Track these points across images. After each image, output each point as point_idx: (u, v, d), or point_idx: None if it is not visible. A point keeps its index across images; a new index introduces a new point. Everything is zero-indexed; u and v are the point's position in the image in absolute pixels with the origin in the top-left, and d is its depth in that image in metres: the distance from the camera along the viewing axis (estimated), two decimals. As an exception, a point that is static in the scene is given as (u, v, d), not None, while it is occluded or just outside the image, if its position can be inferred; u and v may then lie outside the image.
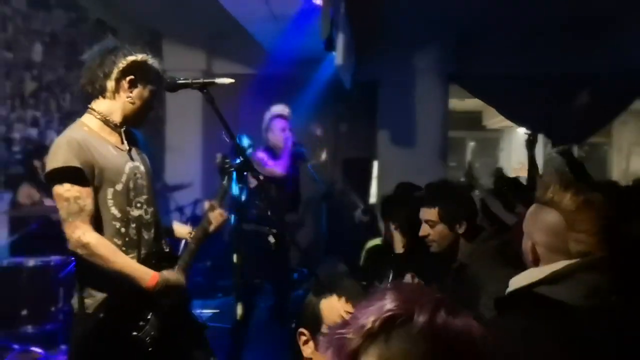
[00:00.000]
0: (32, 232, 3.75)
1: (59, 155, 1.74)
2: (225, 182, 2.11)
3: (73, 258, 1.88)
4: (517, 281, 1.41)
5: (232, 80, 1.90)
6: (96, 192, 1.78)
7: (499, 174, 6.65)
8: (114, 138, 1.87)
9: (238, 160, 1.99)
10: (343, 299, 1.17)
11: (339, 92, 6.52)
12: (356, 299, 1.09)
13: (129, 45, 1.95)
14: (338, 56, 4.09)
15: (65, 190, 1.73)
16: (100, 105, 1.86)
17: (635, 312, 1.33)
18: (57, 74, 5.05)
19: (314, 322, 1.19)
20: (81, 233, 1.72)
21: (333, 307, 1.16)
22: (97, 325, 1.76)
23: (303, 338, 1.20)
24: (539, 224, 1.41)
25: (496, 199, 3.63)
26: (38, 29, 4.77)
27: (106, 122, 1.85)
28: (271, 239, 3.33)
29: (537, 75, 6.45)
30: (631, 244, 1.80)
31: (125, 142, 1.91)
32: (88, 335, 1.77)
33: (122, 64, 1.83)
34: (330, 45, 3.74)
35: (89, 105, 1.89)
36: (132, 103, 1.87)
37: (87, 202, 1.75)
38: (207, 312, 4.77)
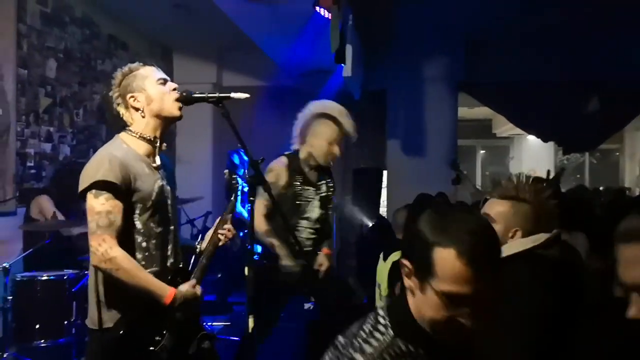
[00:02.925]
0: (45, 247, 3.79)
1: (100, 169, 1.78)
2: (232, 197, 2.14)
3: (88, 272, 1.89)
4: (513, 247, 1.74)
5: (248, 95, 1.92)
6: (126, 207, 1.82)
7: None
8: (148, 154, 1.93)
9: (251, 174, 2.00)
10: (465, 259, 1.04)
11: (348, 102, 6.52)
12: (478, 264, 1.04)
13: (129, 63, 2.03)
14: (347, 68, 4.12)
15: (99, 203, 1.76)
16: (132, 127, 1.95)
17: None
18: (71, 90, 5.13)
19: (423, 265, 1.08)
20: (108, 247, 1.74)
21: (449, 264, 1.05)
22: (114, 341, 1.77)
23: (406, 270, 1.12)
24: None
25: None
26: (52, 45, 4.86)
27: (141, 137, 1.92)
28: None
29: (548, 82, 6.43)
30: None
31: (158, 158, 1.97)
32: (105, 351, 1.79)
33: (115, 93, 1.93)
34: (340, 57, 3.77)
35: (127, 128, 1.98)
36: (148, 112, 1.92)
37: (118, 218, 1.78)
38: (218, 324, 4.77)
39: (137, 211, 1.85)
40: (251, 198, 2.03)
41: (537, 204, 1.81)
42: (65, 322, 3.59)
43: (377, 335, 1.13)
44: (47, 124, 4.83)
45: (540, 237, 1.77)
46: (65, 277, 3.64)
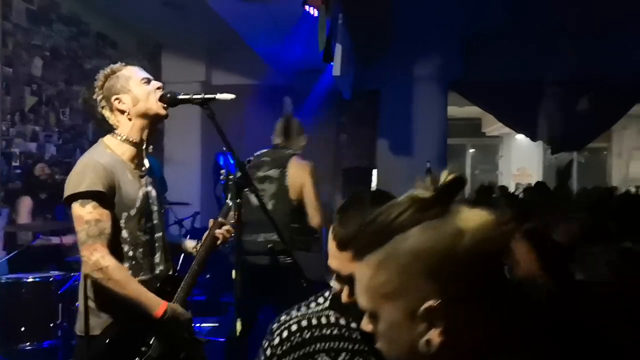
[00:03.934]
0: (30, 248, 3.73)
1: (84, 178, 1.74)
2: (229, 199, 2.08)
3: (75, 276, 1.86)
4: None
5: (233, 96, 1.88)
6: (112, 215, 1.79)
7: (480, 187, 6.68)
8: (133, 159, 1.89)
9: (238, 175, 1.97)
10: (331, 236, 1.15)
11: (339, 102, 6.53)
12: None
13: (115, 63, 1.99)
14: (336, 67, 4.09)
15: (87, 212, 1.73)
16: (117, 130, 1.90)
17: None
18: (57, 88, 5.06)
19: None
20: (100, 256, 1.71)
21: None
22: (101, 348, 1.74)
23: None
24: None
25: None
26: (38, 43, 4.79)
27: (127, 141, 1.88)
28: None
29: (537, 82, 6.46)
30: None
31: (146, 161, 1.93)
32: (92, 358, 1.75)
33: (98, 97, 1.90)
34: (328, 56, 3.74)
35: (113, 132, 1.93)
36: (132, 113, 1.88)
37: (107, 226, 1.75)
38: (207, 325, 4.74)
39: (122, 219, 1.81)
40: (237, 200, 2.00)
41: None
42: (51, 325, 3.53)
43: (314, 304, 1.26)
44: (33, 123, 4.76)
45: None
46: (51, 279, 3.58)
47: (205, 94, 1.93)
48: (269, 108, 6.60)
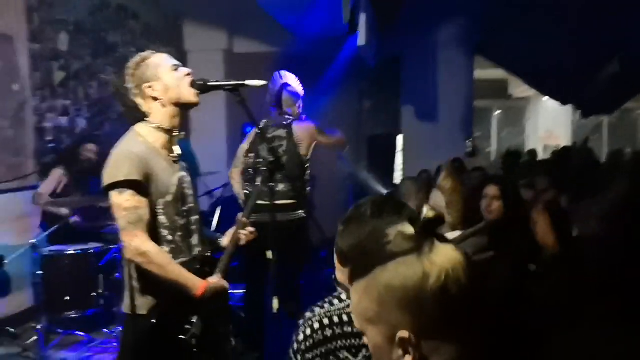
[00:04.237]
0: (67, 223, 3.88)
1: (120, 168, 1.80)
2: (252, 198, 2.17)
3: (113, 248, 1.94)
4: None
5: (264, 82, 1.92)
6: (149, 202, 1.85)
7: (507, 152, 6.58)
8: (166, 146, 1.93)
9: (270, 160, 2.02)
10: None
11: (362, 69, 6.45)
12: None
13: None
14: (361, 37, 4.04)
15: (125, 200, 1.79)
16: (150, 118, 1.93)
17: (503, 263, 1.89)
18: (84, 62, 5.12)
19: None
20: (140, 242, 1.78)
21: None
22: (147, 328, 1.83)
23: None
24: (432, 202, 1.92)
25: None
26: (63, 18, 4.82)
27: (160, 128, 1.92)
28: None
29: (565, 45, 6.26)
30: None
31: (177, 148, 1.97)
32: (137, 336, 1.85)
33: (130, 83, 1.91)
34: (352, 28, 3.69)
35: (145, 119, 1.94)
36: (165, 102, 1.91)
37: (145, 212, 1.81)
38: (239, 292, 4.88)
39: (160, 205, 1.86)
40: (270, 184, 2.06)
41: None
42: (94, 294, 3.73)
43: (335, 301, 1.29)
44: (63, 98, 4.85)
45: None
46: (90, 251, 3.75)
47: (235, 81, 1.95)
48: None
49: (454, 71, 6.36)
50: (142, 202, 1.80)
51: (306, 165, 3.36)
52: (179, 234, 1.91)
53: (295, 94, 3.50)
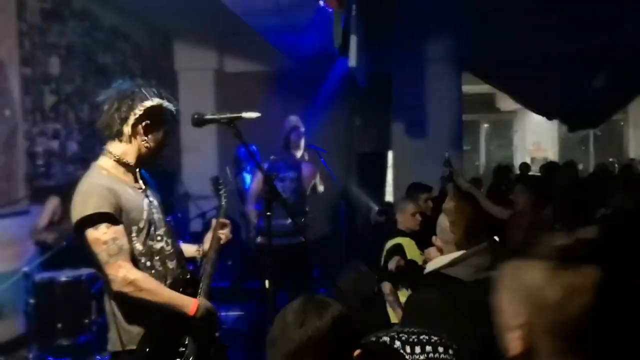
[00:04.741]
0: (62, 248, 3.85)
1: (88, 202, 1.76)
2: (223, 202, 2.23)
3: (104, 292, 1.92)
4: (430, 266, 1.97)
5: (259, 115, 1.93)
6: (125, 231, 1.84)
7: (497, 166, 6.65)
8: (128, 177, 1.91)
9: (266, 190, 2.03)
10: None
11: (352, 87, 6.51)
12: None
13: (145, 82, 1.97)
14: (351, 58, 4.09)
15: (101, 233, 1.75)
16: (115, 147, 1.89)
17: None
18: (74, 85, 5.11)
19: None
20: (126, 271, 1.76)
21: None
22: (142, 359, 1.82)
23: None
24: (438, 225, 2.00)
25: (478, 191, 3.75)
26: (54, 41, 4.82)
27: (121, 163, 1.89)
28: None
29: (552, 58, 6.37)
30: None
31: (139, 180, 1.95)
32: None
33: (139, 110, 1.85)
34: (344, 50, 3.74)
35: (105, 147, 1.92)
36: (147, 146, 1.89)
37: (124, 242, 1.79)
38: (232, 314, 4.87)
39: (134, 233, 1.84)
40: (267, 213, 2.07)
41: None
42: (86, 320, 3.69)
43: None
44: (54, 121, 4.84)
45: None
46: (83, 277, 3.72)
47: (230, 114, 1.97)
48: (282, 94, 6.61)
49: (442, 87, 6.42)
50: (118, 231, 1.78)
51: (307, 201, 4.09)
52: (157, 258, 1.90)
53: (299, 137, 4.11)
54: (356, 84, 6.12)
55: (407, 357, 1.34)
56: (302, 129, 4.11)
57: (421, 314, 1.49)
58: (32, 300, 3.57)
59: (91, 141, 5.32)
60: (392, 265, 3.08)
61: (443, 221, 1.97)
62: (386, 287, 3.19)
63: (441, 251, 1.98)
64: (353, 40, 4.04)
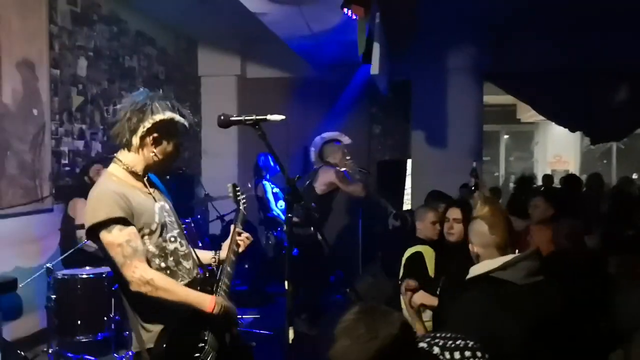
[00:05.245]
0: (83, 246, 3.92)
1: (100, 208, 1.80)
2: (242, 208, 2.25)
3: (123, 296, 1.95)
4: (476, 270, 1.98)
5: (284, 117, 1.95)
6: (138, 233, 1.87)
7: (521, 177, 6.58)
8: (138, 184, 1.95)
9: (289, 192, 2.05)
10: None
11: (373, 94, 6.53)
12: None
13: (161, 93, 1.99)
14: (374, 66, 4.11)
15: (115, 236, 1.79)
16: (125, 156, 1.93)
17: (553, 285, 1.96)
18: (101, 87, 5.23)
19: None
20: (142, 271, 1.79)
21: None
22: (162, 358, 1.83)
23: None
24: (473, 231, 2.05)
25: (496, 202, 3.72)
26: (82, 44, 4.94)
27: (130, 172, 1.93)
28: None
29: (574, 71, 6.31)
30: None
31: (148, 186, 1.99)
32: None
33: (148, 122, 1.88)
34: (367, 58, 3.76)
35: (116, 155, 1.97)
36: (155, 159, 1.93)
37: (139, 243, 1.82)
38: (248, 317, 4.89)
39: (147, 235, 1.88)
40: (289, 215, 2.09)
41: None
42: (105, 318, 3.74)
43: None
44: (80, 122, 4.95)
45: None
46: (104, 275, 3.78)
47: (256, 115, 1.99)
48: (303, 101, 6.66)
49: (463, 97, 6.40)
50: (132, 233, 1.81)
51: (319, 201, 4.42)
52: (171, 259, 1.93)
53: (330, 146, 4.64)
54: (377, 92, 6.14)
55: None
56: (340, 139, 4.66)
57: (472, 316, 1.51)
58: (53, 296, 3.63)
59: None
60: (402, 289, 3.09)
61: (480, 226, 2.00)
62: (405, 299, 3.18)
63: (477, 257, 2.03)
64: (376, 48, 4.06)
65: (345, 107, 6.17)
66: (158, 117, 1.89)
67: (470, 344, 1.42)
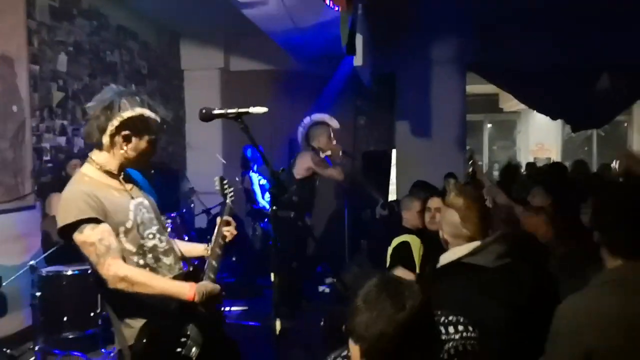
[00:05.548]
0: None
1: (69, 210, 1.79)
2: (228, 201, 2.24)
3: (104, 297, 1.94)
4: (447, 257, 2.02)
5: (266, 110, 1.96)
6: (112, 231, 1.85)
7: (507, 165, 6.66)
8: (113, 182, 1.93)
9: (273, 184, 2.07)
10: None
11: (357, 86, 6.55)
12: None
13: (131, 90, 1.98)
14: (357, 57, 4.13)
15: (87, 236, 1.78)
16: (98, 155, 1.91)
17: (521, 267, 2.01)
18: (82, 83, 5.16)
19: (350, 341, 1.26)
20: (116, 269, 1.78)
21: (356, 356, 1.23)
22: (144, 353, 1.82)
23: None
24: (445, 220, 2.07)
25: (501, 189, 3.73)
26: (62, 39, 4.87)
27: (104, 171, 1.91)
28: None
29: (556, 61, 6.39)
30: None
31: (125, 183, 1.96)
32: None
33: (116, 120, 1.85)
34: (351, 49, 3.78)
35: (89, 154, 1.94)
36: (127, 157, 1.91)
37: (112, 240, 1.80)
38: (236, 309, 4.91)
39: (121, 234, 1.86)
40: (273, 207, 2.11)
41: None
42: (92, 314, 3.73)
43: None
44: (61, 118, 4.89)
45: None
46: (89, 271, 3.74)
47: (239, 108, 1.99)
48: (287, 93, 6.65)
49: (447, 88, 6.45)
50: (104, 231, 1.80)
51: (297, 184, 4.39)
52: (150, 255, 1.92)
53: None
54: (361, 84, 6.17)
55: (444, 337, 1.39)
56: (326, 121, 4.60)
57: (448, 303, 1.54)
58: (38, 294, 3.61)
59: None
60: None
61: (452, 217, 2.01)
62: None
63: (446, 244, 2.07)
64: (359, 39, 4.08)
65: (330, 100, 6.17)
66: (126, 114, 1.85)
67: (462, 319, 1.45)
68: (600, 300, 1.47)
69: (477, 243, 1.97)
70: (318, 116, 4.60)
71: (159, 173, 5.14)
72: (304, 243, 4.60)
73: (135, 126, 1.88)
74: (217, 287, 1.95)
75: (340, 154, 4.66)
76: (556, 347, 1.51)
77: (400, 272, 3.23)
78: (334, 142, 4.60)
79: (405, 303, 1.16)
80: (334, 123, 4.64)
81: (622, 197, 1.60)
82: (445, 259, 2.02)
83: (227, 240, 2.14)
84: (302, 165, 4.50)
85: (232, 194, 2.30)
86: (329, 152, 4.56)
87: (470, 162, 3.74)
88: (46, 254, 3.81)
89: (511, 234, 2.54)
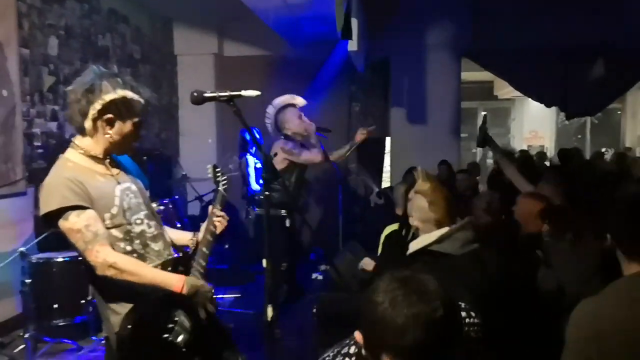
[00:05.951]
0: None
1: (52, 197, 1.74)
2: (220, 189, 2.20)
3: (91, 283, 1.91)
4: (415, 245, 2.06)
5: (258, 93, 1.92)
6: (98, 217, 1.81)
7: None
8: (98, 167, 1.88)
9: (266, 170, 2.04)
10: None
11: (351, 72, 6.50)
12: None
13: (113, 71, 1.91)
14: (352, 42, 4.09)
15: (72, 223, 1.74)
16: (82, 140, 1.86)
17: (488, 253, 2.07)
18: (73, 67, 5.08)
19: (372, 345, 1.13)
20: (105, 255, 1.75)
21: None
22: (130, 339, 1.80)
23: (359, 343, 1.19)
24: (414, 205, 2.12)
25: (512, 162, 3.70)
26: (53, 23, 4.79)
27: (89, 156, 1.86)
28: (287, 222, 3.97)
29: (550, 48, 6.37)
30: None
31: (111, 168, 1.91)
32: (124, 352, 1.82)
33: (98, 104, 1.79)
34: (346, 34, 3.73)
35: (72, 139, 1.89)
36: (111, 140, 1.86)
37: (99, 226, 1.77)
38: (229, 296, 4.91)
39: (107, 220, 1.82)
40: (266, 193, 2.09)
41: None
42: (82, 301, 3.70)
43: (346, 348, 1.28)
44: (52, 103, 4.82)
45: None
46: (79, 258, 3.71)
47: (229, 90, 1.96)
48: (282, 78, 6.58)
49: (442, 74, 6.42)
50: (90, 217, 1.76)
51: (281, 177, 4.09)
52: (137, 241, 1.88)
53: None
54: (356, 70, 6.12)
55: None
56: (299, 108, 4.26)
57: None
58: (28, 280, 3.58)
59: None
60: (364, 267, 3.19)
61: (421, 201, 2.08)
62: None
63: (417, 230, 2.13)
64: (354, 23, 4.03)
65: (324, 85, 6.12)
66: (108, 96, 1.80)
67: (463, 305, 1.45)
68: (609, 309, 1.40)
69: (444, 230, 2.02)
70: (281, 100, 4.22)
71: (151, 159, 5.10)
72: (296, 244, 4.44)
73: (118, 109, 1.82)
74: (205, 284, 1.93)
75: (314, 129, 4.31)
76: (565, 353, 1.46)
77: (366, 262, 3.26)
78: (306, 120, 4.26)
79: (437, 299, 1.08)
80: (299, 101, 4.30)
81: (636, 200, 1.53)
82: (413, 246, 2.07)
83: (218, 230, 2.11)
84: (277, 158, 4.20)
85: (225, 182, 2.27)
86: (304, 133, 4.23)
87: (482, 126, 3.66)
88: (37, 240, 3.77)
89: (481, 223, 2.66)
